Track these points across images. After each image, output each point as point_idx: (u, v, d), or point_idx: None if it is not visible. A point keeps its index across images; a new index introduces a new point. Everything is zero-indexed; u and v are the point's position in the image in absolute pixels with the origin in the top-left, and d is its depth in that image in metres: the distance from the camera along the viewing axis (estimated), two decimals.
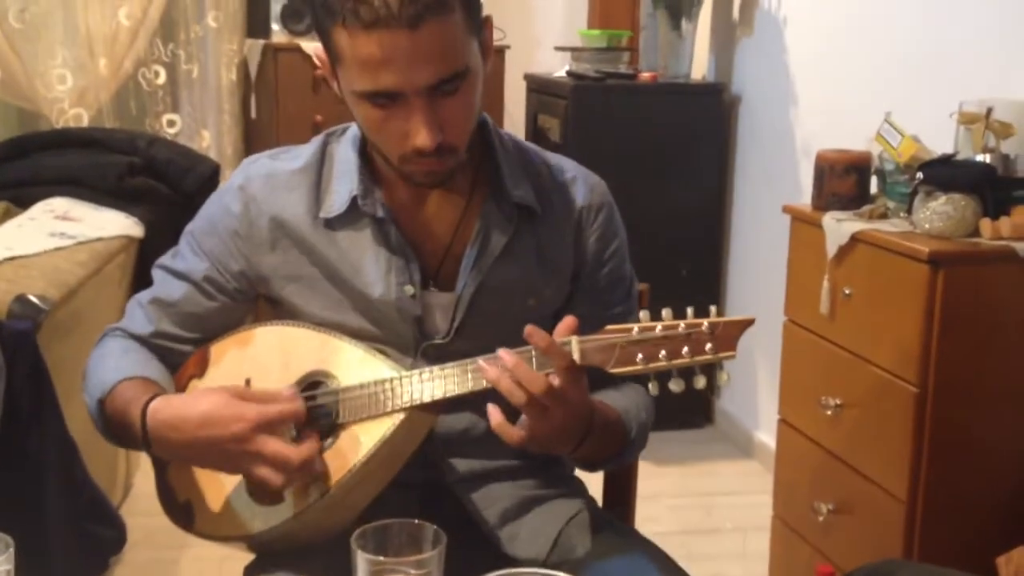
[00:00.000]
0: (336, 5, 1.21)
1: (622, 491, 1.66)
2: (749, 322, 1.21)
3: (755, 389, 3.39)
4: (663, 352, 1.19)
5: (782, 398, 2.55)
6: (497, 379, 1.20)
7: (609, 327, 1.21)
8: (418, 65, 1.21)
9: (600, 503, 1.59)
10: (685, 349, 1.19)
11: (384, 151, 1.32)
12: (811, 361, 2.40)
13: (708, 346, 1.19)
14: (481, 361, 1.23)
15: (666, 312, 1.21)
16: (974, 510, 2.09)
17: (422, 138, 1.24)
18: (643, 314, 1.22)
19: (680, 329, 1.19)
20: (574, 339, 1.21)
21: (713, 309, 1.22)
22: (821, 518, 2.33)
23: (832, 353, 2.30)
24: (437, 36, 1.21)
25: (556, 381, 1.19)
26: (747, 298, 3.54)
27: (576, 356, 1.20)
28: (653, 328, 1.20)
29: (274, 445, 1.22)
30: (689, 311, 1.21)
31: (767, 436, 3.28)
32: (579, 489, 1.53)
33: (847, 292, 2.24)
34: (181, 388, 1.42)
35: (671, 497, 3.17)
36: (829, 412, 2.29)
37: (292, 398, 1.25)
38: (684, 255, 3.56)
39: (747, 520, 3.00)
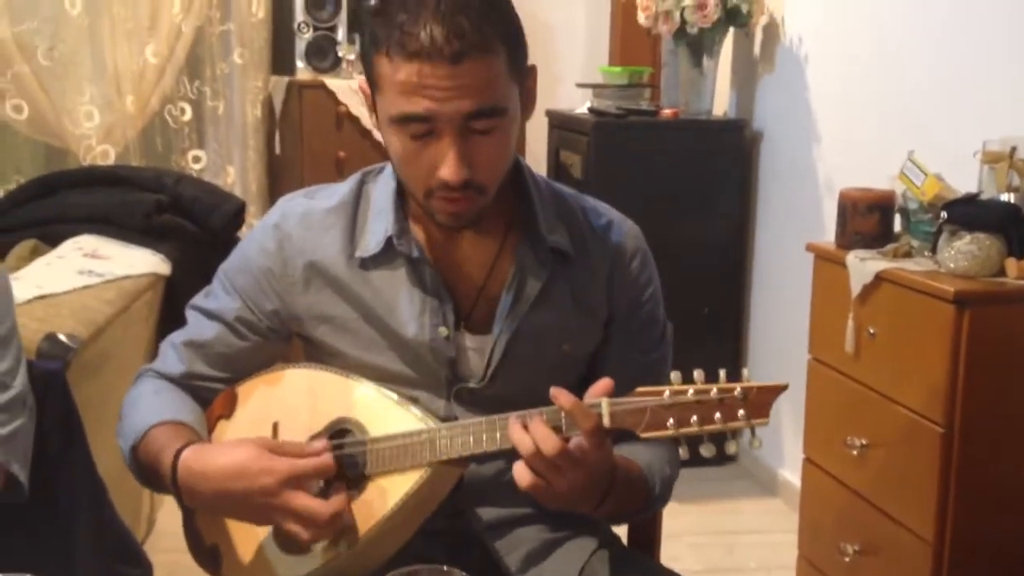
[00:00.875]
0: (382, 35, 1.23)
1: (646, 529, 1.65)
2: (782, 388, 1.21)
3: (779, 426, 3.37)
4: (695, 417, 1.18)
5: (807, 437, 2.54)
6: (515, 435, 1.20)
7: (640, 389, 1.20)
8: (455, 96, 1.22)
9: (624, 542, 1.59)
10: (717, 415, 1.18)
11: (411, 185, 1.32)
12: (836, 400, 2.39)
13: (741, 412, 1.18)
14: (512, 418, 1.23)
15: (698, 374, 1.20)
16: (1002, 552, 2.08)
17: (449, 170, 1.24)
18: (675, 375, 1.21)
19: (712, 394, 1.18)
20: (604, 401, 1.20)
21: (745, 372, 1.21)
22: (847, 559, 2.32)
23: (857, 392, 2.29)
24: (477, 73, 1.22)
25: (575, 443, 1.19)
26: (770, 335, 3.53)
27: (606, 419, 1.19)
28: (685, 392, 1.19)
29: (302, 500, 1.23)
30: (721, 374, 1.20)
31: (791, 474, 3.26)
32: (602, 527, 1.52)
33: (872, 331, 2.23)
34: (209, 428, 1.43)
35: (693, 535, 3.15)
36: (855, 452, 2.28)
37: (322, 453, 1.26)
38: (706, 292, 3.55)
39: (771, 559, 2.97)
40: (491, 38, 1.22)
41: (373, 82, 1.28)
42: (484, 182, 1.28)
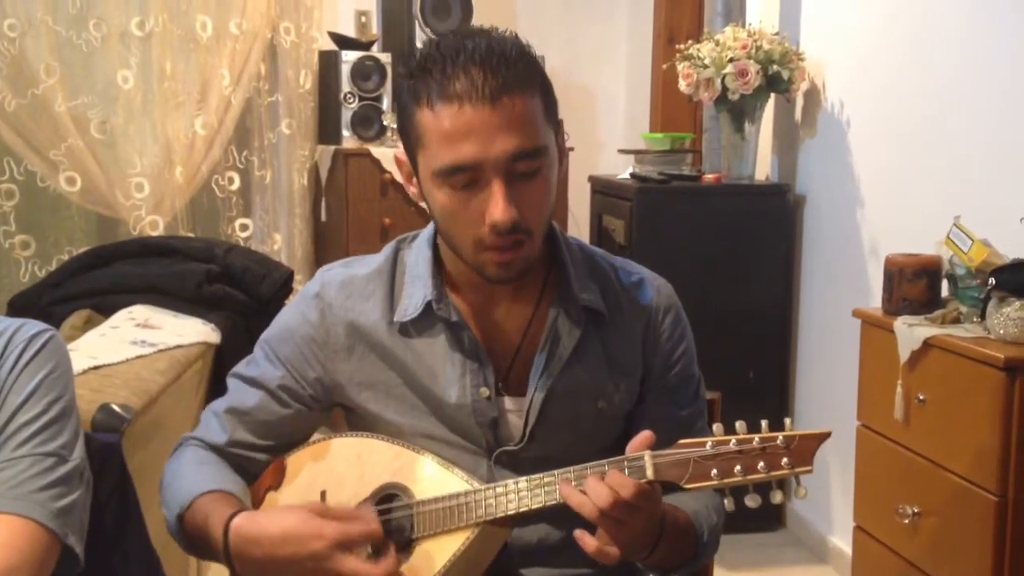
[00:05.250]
0: (421, 87, 1.27)
1: None
2: (825, 435, 1.21)
3: (828, 492, 3.33)
4: (738, 467, 1.19)
5: (857, 505, 2.51)
6: (568, 495, 1.23)
7: (683, 441, 1.22)
8: (499, 136, 1.25)
9: None
10: (761, 464, 1.19)
11: (458, 240, 1.34)
12: (887, 467, 2.36)
13: (784, 461, 1.19)
14: (560, 478, 1.25)
15: (740, 425, 1.22)
16: None
17: (499, 212, 1.26)
18: (717, 427, 1.22)
19: (755, 443, 1.20)
20: (647, 454, 1.22)
21: (788, 422, 1.23)
22: None
23: (908, 460, 2.27)
24: (518, 110, 1.26)
25: (628, 497, 1.21)
26: (816, 400, 3.50)
27: (649, 472, 1.22)
28: (727, 442, 1.20)
29: (353, 564, 1.25)
30: (764, 424, 1.22)
31: (841, 541, 3.21)
32: None
33: (921, 398, 2.22)
34: (258, 499, 1.45)
35: None
36: (906, 520, 2.25)
37: (370, 518, 1.28)
38: (751, 357, 3.53)
39: None
40: (527, 77, 1.27)
41: (414, 141, 1.31)
42: (531, 225, 1.31)
